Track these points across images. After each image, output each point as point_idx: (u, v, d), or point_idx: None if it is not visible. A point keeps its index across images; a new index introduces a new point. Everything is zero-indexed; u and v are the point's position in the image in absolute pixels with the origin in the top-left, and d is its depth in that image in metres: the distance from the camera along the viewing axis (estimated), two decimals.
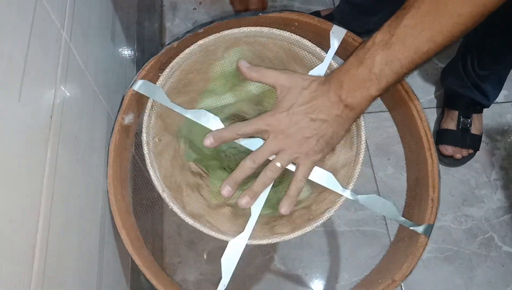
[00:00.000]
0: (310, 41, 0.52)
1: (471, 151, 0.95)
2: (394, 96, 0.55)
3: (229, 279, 0.45)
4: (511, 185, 0.94)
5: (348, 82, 0.44)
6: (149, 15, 1.00)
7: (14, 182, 0.31)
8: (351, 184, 0.49)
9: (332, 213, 0.48)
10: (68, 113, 0.42)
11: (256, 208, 0.47)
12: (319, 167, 0.49)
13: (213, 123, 0.48)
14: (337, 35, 0.52)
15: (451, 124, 0.95)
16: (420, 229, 0.49)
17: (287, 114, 0.45)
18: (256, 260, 0.83)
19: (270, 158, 0.47)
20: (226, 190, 0.46)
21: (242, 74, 0.50)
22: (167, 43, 0.51)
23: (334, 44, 0.52)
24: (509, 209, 0.92)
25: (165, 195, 0.47)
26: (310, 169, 0.47)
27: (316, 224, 0.48)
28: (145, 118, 0.50)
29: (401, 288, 0.83)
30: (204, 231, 0.47)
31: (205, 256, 0.84)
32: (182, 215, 0.47)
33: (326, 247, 0.87)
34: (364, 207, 0.90)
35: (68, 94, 0.43)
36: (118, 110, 0.50)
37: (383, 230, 0.88)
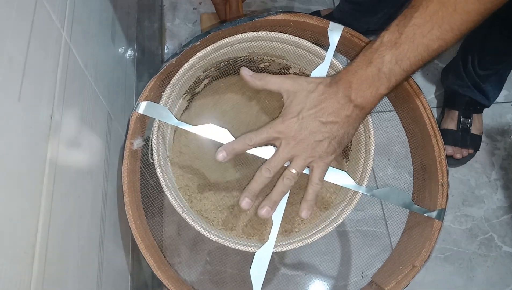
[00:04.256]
0: (309, 41, 0.51)
1: (471, 151, 0.95)
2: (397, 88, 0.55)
3: (260, 289, 0.44)
4: (511, 185, 0.94)
5: (357, 83, 0.44)
6: (149, 15, 1.00)
7: (14, 182, 0.31)
8: (365, 180, 0.50)
9: (350, 211, 0.49)
10: (68, 113, 0.42)
11: (277, 217, 0.47)
12: (332, 167, 0.49)
13: (223, 136, 0.48)
14: (334, 32, 0.52)
15: (451, 124, 0.95)
16: (433, 214, 0.50)
17: (297, 119, 0.45)
18: None
19: (285, 165, 0.47)
20: (245, 202, 0.46)
21: (245, 82, 0.50)
22: (165, 59, 0.51)
23: (333, 41, 0.52)
24: (509, 209, 0.92)
25: (185, 216, 0.47)
26: (325, 171, 0.47)
27: (337, 223, 0.48)
28: (153, 140, 0.49)
29: None
30: (231, 246, 0.47)
31: (205, 256, 0.84)
32: (206, 233, 0.47)
33: (326, 247, 0.87)
34: (364, 207, 0.91)
35: (68, 94, 0.43)
36: (126, 135, 0.49)
37: (383, 230, 0.88)
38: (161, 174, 0.48)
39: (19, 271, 0.31)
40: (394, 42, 0.42)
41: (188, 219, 0.47)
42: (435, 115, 1.01)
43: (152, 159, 0.49)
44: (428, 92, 1.04)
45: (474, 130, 0.95)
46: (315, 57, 0.53)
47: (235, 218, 0.53)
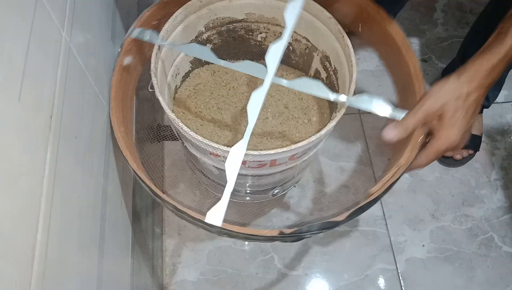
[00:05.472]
0: None
1: (471, 151, 0.95)
2: (372, 28, 0.60)
3: (233, 183, 0.44)
4: (511, 185, 0.94)
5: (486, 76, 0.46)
6: None
7: (14, 182, 0.31)
8: (351, 90, 0.55)
9: (337, 120, 0.53)
10: (68, 113, 0.42)
11: (252, 117, 0.46)
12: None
13: (205, 53, 0.51)
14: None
15: None
16: None
17: (456, 129, 0.47)
18: (256, 260, 0.83)
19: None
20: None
21: (392, 141, 0.49)
22: None
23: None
24: (509, 209, 0.92)
25: (173, 116, 0.52)
26: None
27: (331, 126, 0.53)
28: (153, 55, 0.56)
29: (401, 287, 0.83)
30: (207, 143, 0.50)
31: (205, 256, 0.84)
32: (192, 133, 0.51)
33: (326, 247, 0.87)
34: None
35: (68, 94, 0.43)
36: (117, 56, 0.54)
37: (383, 230, 0.88)
38: (156, 82, 0.53)
39: (19, 271, 0.31)
40: None
41: (176, 120, 0.51)
42: None
43: (152, 88, 0.53)
44: None
45: (474, 130, 0.95)
46: (305, 12, 0.58)
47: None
